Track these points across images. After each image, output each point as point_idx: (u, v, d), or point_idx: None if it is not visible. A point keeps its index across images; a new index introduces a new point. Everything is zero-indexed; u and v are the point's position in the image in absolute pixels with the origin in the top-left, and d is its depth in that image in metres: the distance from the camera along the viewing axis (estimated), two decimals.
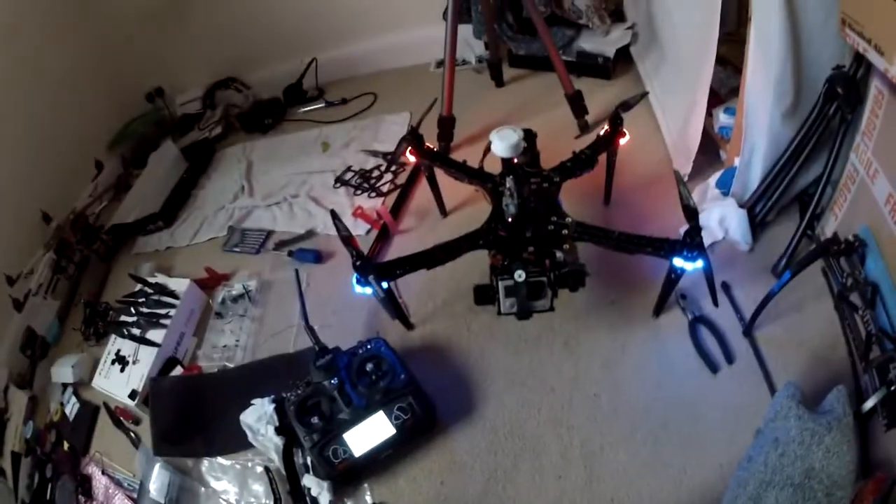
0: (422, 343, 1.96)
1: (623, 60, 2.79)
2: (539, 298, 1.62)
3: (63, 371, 2.20)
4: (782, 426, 1.31)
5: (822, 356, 1.61)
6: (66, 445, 2.05)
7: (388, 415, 1.63)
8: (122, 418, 2.05)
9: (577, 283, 1.64)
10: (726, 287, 1.82)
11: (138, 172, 3.13)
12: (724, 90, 2.18)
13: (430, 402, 1.71)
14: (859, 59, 1.52)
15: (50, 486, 1.97)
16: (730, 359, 1.67)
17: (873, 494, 1.22)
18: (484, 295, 1.68)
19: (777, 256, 1.83)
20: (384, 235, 2.33)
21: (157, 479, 1.82)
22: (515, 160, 1.79)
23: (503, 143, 1.71)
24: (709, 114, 2.07)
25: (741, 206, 1.90)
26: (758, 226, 1.91)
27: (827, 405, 1.33)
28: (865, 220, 1.57)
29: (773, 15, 1.55)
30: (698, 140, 2.03)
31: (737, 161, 1.89)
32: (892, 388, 1.34)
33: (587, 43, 2.75)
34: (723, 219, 1.91)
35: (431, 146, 2.06)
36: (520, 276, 1.56)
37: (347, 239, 1.66)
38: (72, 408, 2.13)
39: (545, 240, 1.69)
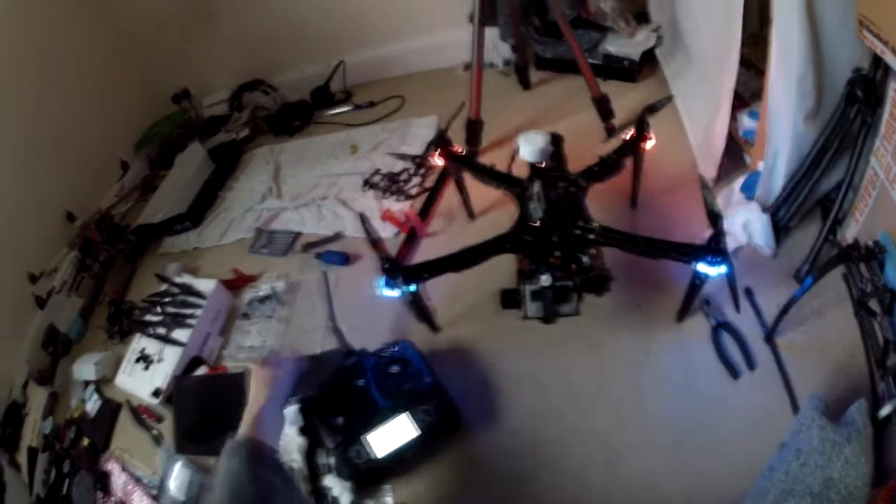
0: (447, 345, 1.96)
1: (648, 63, 2.78)
2: (565, 303, 1.62)
3: (85, 368, 2.23)
4: (805, 437, 1.31)
5: (842, 363, 1.59)
6: (85, 441, 2.07)
7: (412, 417, 1.63)
8: (144, 416, 2.07)
9: (603, 288, 1.64)
10: (749, 293, 1.81)
11: (165, 173, 3.17)
12: (748, 93, 2.16)
13: (455, 405, 1.72)
14: (878, 61, 1.49)
15: (67, 481, 1.99)
16: (751, 365, 1.66)
17: (885, 502, 1.21)
18: (510, 299, 1.68)
19: (800, 262, 1.81)
20: (412, 238, 2.32)
21: (178, 477, 1.83)
22: (542, 164, 1.80)
23: (530, 148, 1.73)
24: (733, 117, 2.05)
25: (765, 210, 1.88)
26: (781, 231, 1.89)
27: (849, 417, 1.33)
28: (885, 226, 1.54)
29: (792, 15, 1.51)
30: (723, 144, 2.02)
31: (761, 165, 1.88)
32: None
33: (613, 45, 2.74)
34: (747, 223, 1.90)
35: (459, 149, 2.06)
36: (546, 280, 1.57)
37: (376, 243, 1.67)
38: (93, 405, 2.16)
39: (571, 244, 1.68)
